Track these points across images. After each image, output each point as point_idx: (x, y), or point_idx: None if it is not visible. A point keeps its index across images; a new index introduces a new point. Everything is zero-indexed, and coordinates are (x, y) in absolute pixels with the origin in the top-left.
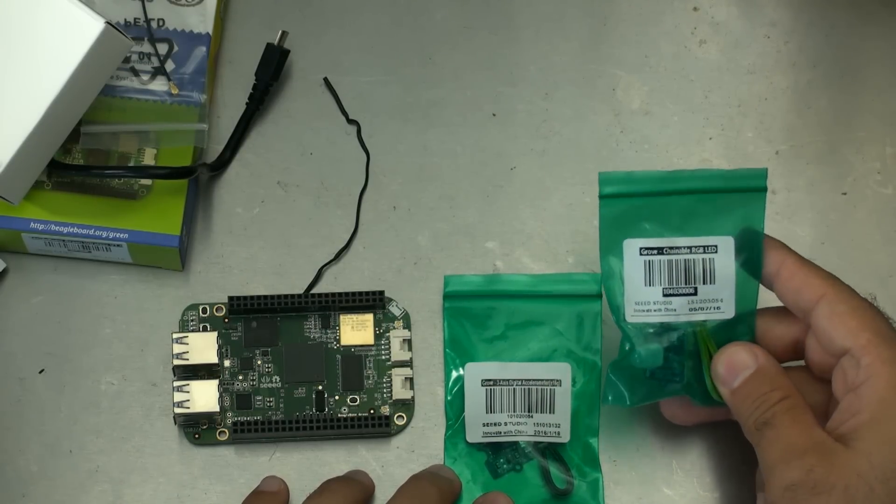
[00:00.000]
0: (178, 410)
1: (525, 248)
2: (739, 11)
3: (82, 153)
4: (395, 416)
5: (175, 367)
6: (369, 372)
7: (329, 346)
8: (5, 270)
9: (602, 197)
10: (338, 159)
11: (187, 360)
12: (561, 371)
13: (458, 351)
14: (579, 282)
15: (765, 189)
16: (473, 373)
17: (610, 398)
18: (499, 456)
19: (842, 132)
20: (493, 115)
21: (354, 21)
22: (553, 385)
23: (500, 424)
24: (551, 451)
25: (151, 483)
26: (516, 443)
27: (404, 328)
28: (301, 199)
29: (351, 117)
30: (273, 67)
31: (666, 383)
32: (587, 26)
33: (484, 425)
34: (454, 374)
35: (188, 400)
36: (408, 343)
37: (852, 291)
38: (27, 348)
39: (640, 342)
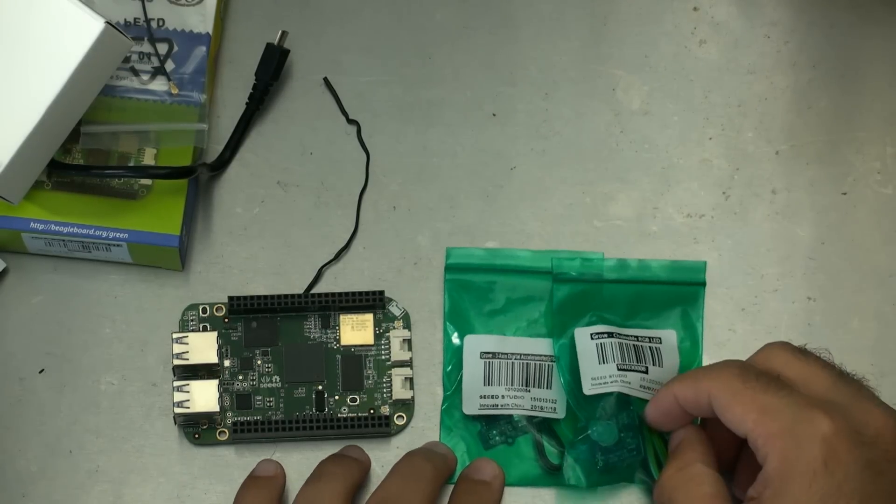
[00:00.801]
0: (178, 410)
1: (525, 248)
2: (739, 11)
3: (82, 153)
4: (395, 416)
5: (175, 367)
6: (369, 372)
7: (329, 346)
8: (5, 270)
9: (555, 281)
10: (338, 159)
11: (187, 360)
12: None
13: (457, 323)
14: (583, 258)
15: (703, 283)
16: (472, 345)
17: (570, 480)
18: (492, 428)
19: (842, 132)
20: (493, 115)
21: (354, 21)
22: (551, 361)
23: (497, 397)
24: (546, 426)
25: (151, 483)
26: (510, 417)
27: (404, 328)
28: (301, 199)
29: (351, 117)
30: (273, 67)
31: (622, 463)
32: (587, 26)
33: (481, 398)
34: (453, 346)
35: (188, 400)
36: (408, 343)
37: (734, 373)
38: (27, 348)
39: (596, 417)
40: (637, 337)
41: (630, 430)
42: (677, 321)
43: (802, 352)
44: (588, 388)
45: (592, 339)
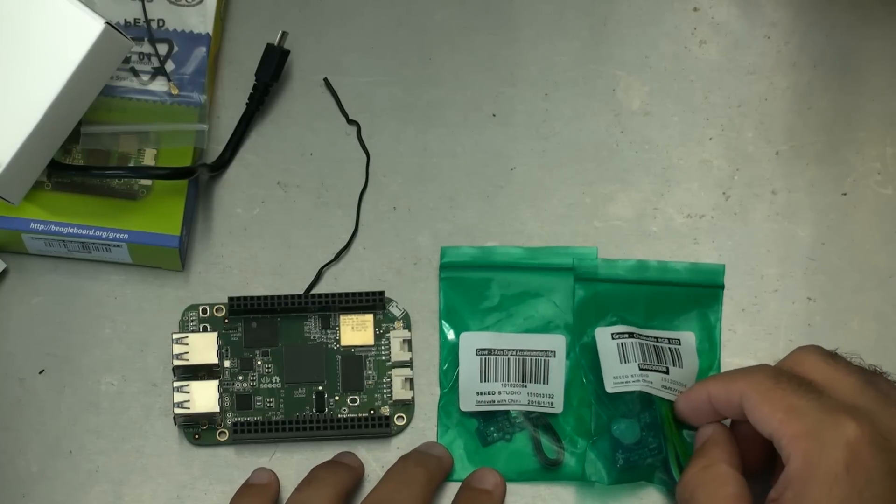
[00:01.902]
0: (178, 411)
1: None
2: (739, 11)
3: (82, 153)
4: (396, 416)
5: (175, 368)
6: (369, 372)
7: (329, 346)
8: (5, 270)
9: (576, 281)
10: (338, 159)
11: (187, 360)
12: (556, 343)
13: (452, 321)
14: (576, 255)
15: (722, 286)
16: (468, 342)
17: (591, 476)
18: (489, 424)
19: (842, 132)
20: (493, 115)
21: (354, 21)
22: (547, 356)
23: (493, 393)
24: (543, 421)
25: (151, 483)
26: (508, 413)
27: (404, 328)
28: (301, 199)
29: (351, 117)
30: (273, 68)
31: (642, 461)
32: (587, 26)
33: (478, 394)
34: (448, 344)
35: (188, 400)
36: (408, 343)
37: (766, 374)
38: (27, 348)
39: (619, 415)
40: (657, 338)
41: (652, 430)
42: (696, 323)
43: (832, 356)
44: (610, 387)
45: (613, 338)
